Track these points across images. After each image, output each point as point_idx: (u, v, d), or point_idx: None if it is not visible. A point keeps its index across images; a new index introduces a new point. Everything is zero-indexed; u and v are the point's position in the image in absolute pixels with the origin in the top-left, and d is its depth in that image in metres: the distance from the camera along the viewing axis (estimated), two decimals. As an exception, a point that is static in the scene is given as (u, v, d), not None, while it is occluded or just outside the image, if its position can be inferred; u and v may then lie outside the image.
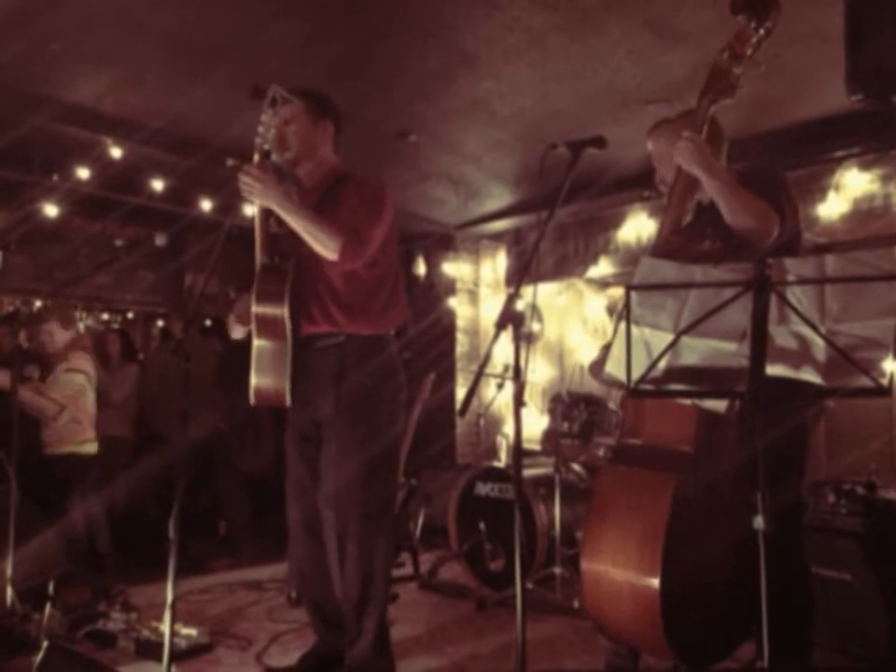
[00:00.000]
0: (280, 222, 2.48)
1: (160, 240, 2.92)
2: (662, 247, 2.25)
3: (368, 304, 2.57)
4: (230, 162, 2.54)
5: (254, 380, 2.52)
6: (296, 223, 2.41)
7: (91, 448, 3.99)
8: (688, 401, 2.08)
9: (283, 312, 2.44)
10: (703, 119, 2.22)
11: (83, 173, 4.35)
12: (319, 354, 2.54)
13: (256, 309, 2.47)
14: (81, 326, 4.39)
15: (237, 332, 2.65)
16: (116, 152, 4.10)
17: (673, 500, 2.10)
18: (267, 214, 2.50)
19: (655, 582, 2.04)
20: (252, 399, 2.55)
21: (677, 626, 2.05)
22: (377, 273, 2.56)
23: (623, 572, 2.13)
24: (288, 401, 2.49)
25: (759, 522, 1.64)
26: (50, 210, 4.68)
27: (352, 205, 2.50)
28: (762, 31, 2.11)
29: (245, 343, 2.61)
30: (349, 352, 2.53)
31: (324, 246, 2.41)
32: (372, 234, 2.48)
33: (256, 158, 2.43)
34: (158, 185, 4.61)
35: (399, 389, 2.65)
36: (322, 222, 2.41)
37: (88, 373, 4.07)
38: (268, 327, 2.48)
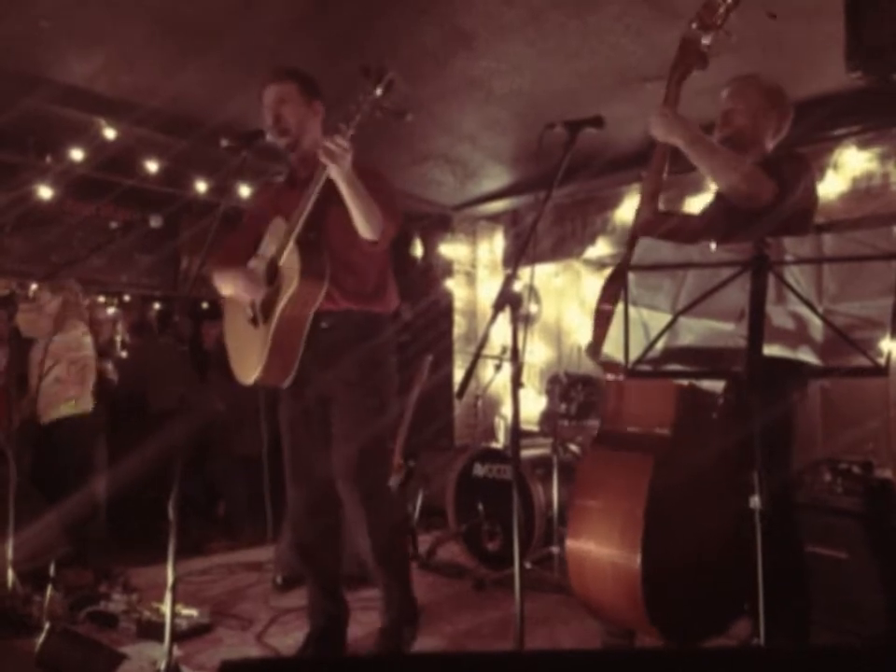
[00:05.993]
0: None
1: (155, 222, 2.89)
2: (643, 227, 2.24)
3: (377, 282, 2.59)
4: (224, 143, 2.51)
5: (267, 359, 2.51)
6: (353, 194, 2.31)
7: (82, 406, 3.88)
8: (674, 383, 2.10)
9: (322, 288, 2.42)
10: (674, 93, 2.21)
11: (77, 154, 4.31)
12: (324, 332, 2.52)
13: (300, 287, 2.39)
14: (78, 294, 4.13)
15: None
16: (109, 133, 4.06)
17: (651, 482, 2.13)
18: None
19: (637, 561, 2.07)
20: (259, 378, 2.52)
21: (658, 605, 2.08)
22: (382, 252, 2.57)
23: (605, 552, 2.17)
24: (289, 382, 2.49)
25: (755, 501, 1.65)
26: (45, 192, 4.64)
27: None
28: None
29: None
30: (354, 328, 2.53)
31: (370, 224, 2.36)
32: (397, 217, 2.51)
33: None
34: (152, 166, 4.57)
35: (394, 371, 2.68)
36: (373, 200, 2.36)
37: (84, 331, 3.94)
38: (299, 305, 2.44)
